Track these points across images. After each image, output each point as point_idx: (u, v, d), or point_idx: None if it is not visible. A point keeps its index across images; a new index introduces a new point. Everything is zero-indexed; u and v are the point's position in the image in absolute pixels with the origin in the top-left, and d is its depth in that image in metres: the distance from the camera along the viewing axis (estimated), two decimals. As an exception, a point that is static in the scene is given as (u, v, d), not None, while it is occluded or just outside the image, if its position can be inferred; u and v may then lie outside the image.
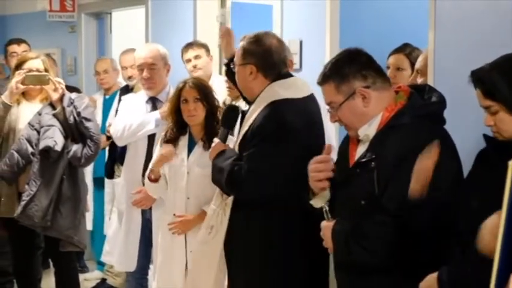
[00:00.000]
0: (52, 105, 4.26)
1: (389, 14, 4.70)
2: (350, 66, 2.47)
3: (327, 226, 2.47)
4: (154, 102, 4.19)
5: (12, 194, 4.30)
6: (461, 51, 3.35)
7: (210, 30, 5.61)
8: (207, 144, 3.54)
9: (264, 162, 2.89)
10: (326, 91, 2.52)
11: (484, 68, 2.17)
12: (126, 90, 5.41)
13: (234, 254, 3.05)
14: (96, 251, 6.13)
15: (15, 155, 4.21)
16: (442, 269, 2.18)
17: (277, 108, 2.93)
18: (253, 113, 2.98)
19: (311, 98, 3.07)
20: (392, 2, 4.72)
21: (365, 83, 2.45)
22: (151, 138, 4.12)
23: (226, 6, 5.61)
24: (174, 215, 3.66)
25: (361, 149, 2.48)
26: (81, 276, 5.21)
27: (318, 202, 2.53)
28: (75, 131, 4.24)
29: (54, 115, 4.22)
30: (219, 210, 3.09)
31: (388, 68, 3.80)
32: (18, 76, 4.23)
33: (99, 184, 5.82)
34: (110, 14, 7.04)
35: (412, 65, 3.70)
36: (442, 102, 2.49)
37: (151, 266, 4.21)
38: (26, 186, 4.19)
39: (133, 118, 4.14)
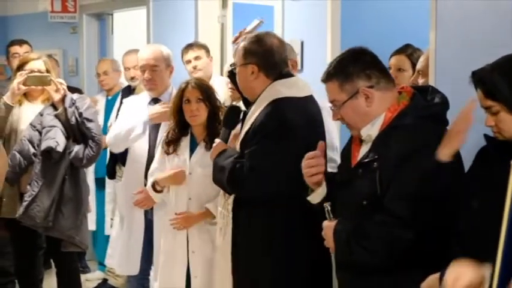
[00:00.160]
0: (54, 106, 4.27)
1: (391, 15, 4.71)
2: (354, 66, 2.47)
3: (328, 226, 2.48)
4: (156, 104, 4.19)
5: (14, 194, 4.30)
6: (462, 51, 3.36)
7: (211, 30, 5.62)
8: (209, 145, 3.54)
9: (265, 159, 2.90)
10: (329, 89, 2.53)
11: (485, 69, 2.18)
12: (128, 91, 5.42)
13: (238, 252, 3.04)
14: (97, 251, 6.14)
15: (17, 155, 4.21)
16: (444, 269, 2.18)
17: (278, 106, 2.94)
18: (255, 112, 2.99)
19: (311, 99, 3.08)
20: (393, 3, 4.73)
21: (369, 83, 2.46)
22: (152, 138, 4.12)
23: (227, 6, 5.62)
24: (176, 214, 3.66)
25: (363, 149, 2.49)
26: (83, 277, 5.22)
27: (315, 198, 2.57)
28: (76, 131, 4.24)
29: (56, 116, 4.23)
30: (223, 211, 3.10)
31: (389, 68, 3.81)
32: (20, 77, 4.24)
33: (100, 184, 5.82)
34: (112, 14, 7.05)
35: (413, 65, 3.71)
36: (444, 103, 2.50)
37: (152, 267, 4.21)
38: (28, 187, 4.20)
39: (124, 124, 4.16)
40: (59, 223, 4.23)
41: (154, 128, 4.13)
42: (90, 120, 4.25)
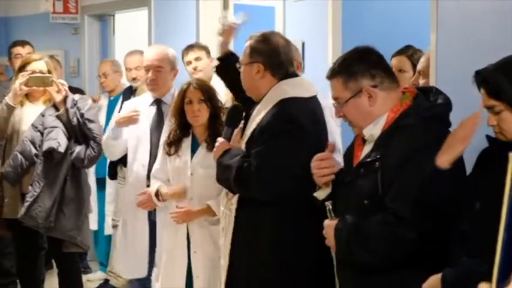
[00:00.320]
0: (55, 107, 4.28)
1: (392, 16, 4.72)
2: (360, 64, 2.48)
3: (329, 225, 2.48)
4: (159, 105, 4.19)
5: (16, 195, 4.31)
6: (463, 52, 3.36)
7: (212, 31, 5.61)
8: (210, 146, 3.55)
9: (273, 159, 2.88)
10: (333, 86, 2.53)
11: (488, 68, 2.19)
12: (130, 92, 5.42)
13: (239, 252, 3.02)
14: (98, 251, 6.15)
15: (19, 156, 4.22)
16: (446, 270, 2.18)
17: (286, 106, 2.93)
18: (261, 112, 2.97)
19: (316, 99, 3.08)
20: (394, 4, 4.74)
21: (373, 82, 2.47)
22: (153, 139, 4.12)
23: (228, 7, 5.62)
24: (177, 206, 3.67)
25: (366, 149, 2.50)
26: (84, 277, 5.23)
27: (320, 194, 2.60)
28: (78, 132, 4.26)
29: (58, 116, 4.24)
30: (226, 211, 3.08)
31: (390, 69, 3.81)
32: (22, 78, 4.25)
33: (101, 185, 5.83)
34: (113, 15, 7.06)
35: (414, 66, 3.71)
36: (447, 105, 2.50)
37: (154, 268, 4.21)
38: (30, 187, 4.21)
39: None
40: (60, 223, 4.24)
41: (156, 129, 4.13)
42: (91, 121, 4.27)
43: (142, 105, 4.23)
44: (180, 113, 3.69)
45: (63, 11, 7.05)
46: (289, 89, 2.98)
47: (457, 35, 3.43)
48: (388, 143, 2.40)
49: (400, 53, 3.87)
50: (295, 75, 3.10)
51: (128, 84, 5.65)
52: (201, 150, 3.66)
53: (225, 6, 5.64)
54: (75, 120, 4.22)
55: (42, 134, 4.24)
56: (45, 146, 4.18)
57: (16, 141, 4.30)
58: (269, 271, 2.95)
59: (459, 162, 2.32)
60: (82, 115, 4.23)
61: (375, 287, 2.43)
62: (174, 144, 3.72)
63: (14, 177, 4.24)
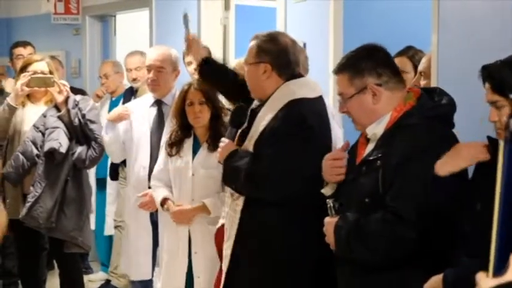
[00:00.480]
0: (57, 107, 4.29)
1: (393, 16, 4.71)
2: (367, 62, 2.49)
3: (330, 222, 2.49)
4: (159, 106, 4.20)
5: (17, 195, 4.32)
6: (464, 53, 3.36)
7: (213, 32, 5.62)
8: (212, 146, 3.56)
9: (285, 161, 2.85)
10: (339, 81, 2.55)
11: (495, 64, 2.19)
12: (131, 92, 5.43)
13: (243, 253, 2.99)
14: (100, 252, 6.15)
15: (21, 156, 4.23)
16: (447, 270, 2.18)
17: (296, 107, 2.91)
18: (269, 112, 2.94)
19: (322, 99, 3.07)
20: (395, 5, 4.73)
21: (378, 81, 2.47)
22: (153, 140, 4.12)
23: (230, 8, 5.63)
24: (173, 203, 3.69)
25: (369, 148, 2.50)
26: (86, 278, 5.23)
27: (328, 190, 2.59)
28: (79, 133, 4.26)
29: (59, 117, 4.24)
30: (230, 212, 3.04)
31: (391, 70, 3.81)
32: (24, 78, 4.25)
33: (101, 185, 5.83)
34: (114, 16, 7.06)
35: (415, 67, 3.71)
36: (452, 105, 2.50)
37: (156, 268, 4.22)
38: (31, 188, 4.22)
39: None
40: (61, 224, 4.25)
41: (157, 130, 4.13)
42: (93, 122, 4.27)
43: (143, 106, 4.24)
44: (181, 114, 3.69)
45: (64, 11, 7.06)
46: (297, 89, 2.96)
47: (458, 36, 3.43)
48: (391, 142, 2.41)
49: (401, 54, 3.87)
50: (300, 75, 3.09)
51: (129, 85, 5.66)
52: (202, 150, 3.67)
53: (227, 6, 5.65)
54: (76, 120, 4.22)
55: (43, 134, 4.24)
56: (46, 147, 4.19)
57: (18, 142, 4.31)
58: (275, 271, 2.92)
59: None
60: (83, 116, 4.23)
61: (375, 286, 2.43)
62: (175, 144, 3.72)
63: (15, 178, 4.25)
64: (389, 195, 2.34)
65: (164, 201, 3.72)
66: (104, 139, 4.23)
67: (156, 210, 4.00)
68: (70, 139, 4.25)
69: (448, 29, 3.47)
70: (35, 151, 4.24)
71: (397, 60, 3.84)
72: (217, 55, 5.22)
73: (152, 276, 4.25)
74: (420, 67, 3.56)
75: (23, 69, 4.34)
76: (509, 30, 3.15)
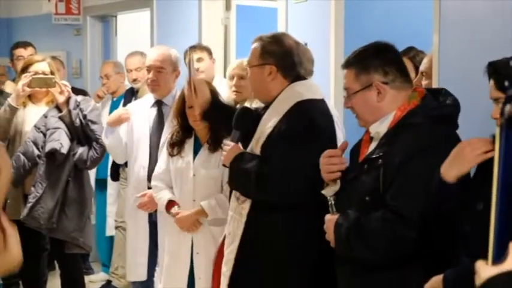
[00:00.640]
0: (58, 108, 4.29)
1: (394, 17, 4.71)
2: (374, 59, 2.50)
3: (330, 219, 2.49)
4: (160, 106, 4.19)
5: (18, 196, 4.32)
6: (465, 53, 3.37)
7: (214, 33, 5.63)
8: (213, 147, 3.55)
9: (296, 163, 2.83)
10: (346, 76, 2.55)
11: (501, 60, 2.19)
12: (131, 93, 5.43)
13: (248, 257, 2.97)
14: (100, 252, 6.15)
15: (22, 157, 4.23)
16: (448, 270, 2.18)
17: (305, 108, 2.91)
18: (275, 114, 2.93)
19: (325, 102, 3.06)
20: (396, 5, 4.73)
21: (384, 79, 2.48)
22: (153, 141, 4.12)
23: (231, 9, 5.63)
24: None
25: (372, 146, 2.50)
26: (87, 278, 5.23)
27: (329, 191, 2.58)
28: (80, 133, 4.26)
29: (60, 118, 4.24)
30: (235, 215, 3.01)
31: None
32: (25, 79, 4.25)
33: (101, 185, 5.83)
34: (115, 16, 7.07)
35: (416, 68, 3.71)
36: (456, 106, 2.50)
37: (157, 268, 4.22)
38: (32, 189, 4.22)
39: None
40: (62, 224, 4.24)
41: (156, 131, 4.14)
42: (94, 122, 4.27)
43: (143, 107, 4.24)
44: (182, 115, 3.68)
45: (65, 12, 7.07)
46: (303, 91, 2.96)
47: (459, 36, 3.43)
48: (394, 140, 2.41)
49: (402, 54, 3.86)
50: (304, 77, 3.07)
51: (130, 85, 5.66)
52: (203, 151, 3.66)
53: (228, 7, 5.66)
54: (77, 121, 4.22)
55: (44, 135, 4.24)
56: (47, 147, 4.19)
57: (19, 142, 4.31)
58: (279, 272, 2.91)
59: None
60: (85, 116, 4.23)
61: (375, 284, 2.43)
62: (176, 145, 3.72)
63: (16, 178, 4.24)
64: (389, 193, 2.34)
65: (170, 205, 3.70)
66: (105, 143, 4.23)
67: (155, 211, 4.00)
68: (71, 140, 4.25)
69: (449, 29, 3.47)
70: (36, 152, 4.24)
71: (398, 61, 3.85)
72: (218, 55, 5.27)
73: (153, 276, 4.25)
74: (422, 67, 3.57)
75: (24, 69, 4.34)
76: (510, 30, 3.15)
